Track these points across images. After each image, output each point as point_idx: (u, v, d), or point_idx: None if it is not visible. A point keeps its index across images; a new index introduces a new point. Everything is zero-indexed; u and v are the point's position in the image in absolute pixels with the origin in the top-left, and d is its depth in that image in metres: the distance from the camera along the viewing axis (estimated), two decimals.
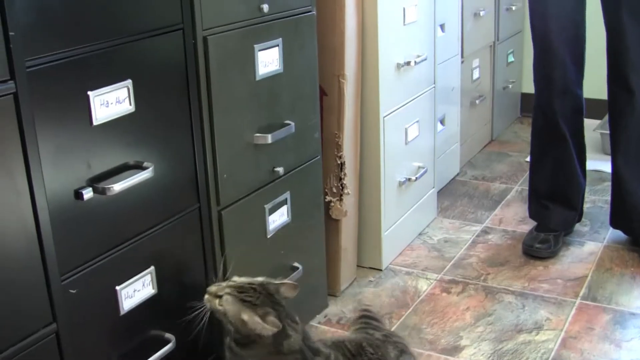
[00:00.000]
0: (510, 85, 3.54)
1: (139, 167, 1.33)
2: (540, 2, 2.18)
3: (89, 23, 1.21)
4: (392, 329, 1.95)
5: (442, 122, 2.79)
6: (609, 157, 2.36)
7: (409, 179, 2.38)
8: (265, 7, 1.62)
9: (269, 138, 1.65)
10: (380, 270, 2.28)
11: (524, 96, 3.72)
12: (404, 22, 2.25)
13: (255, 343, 1.36)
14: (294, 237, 1.84)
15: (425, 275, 2.26)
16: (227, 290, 1.37)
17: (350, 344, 1.49)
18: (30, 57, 1.11)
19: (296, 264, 1.85)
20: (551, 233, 2.36)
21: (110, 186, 1.24)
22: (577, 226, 2.49)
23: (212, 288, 1.39)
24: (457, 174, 3.04)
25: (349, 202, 2.12)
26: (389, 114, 2.21)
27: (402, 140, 2.33)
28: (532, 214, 2.43)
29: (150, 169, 1.33)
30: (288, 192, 1.79)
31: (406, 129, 2.34)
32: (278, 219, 1.77)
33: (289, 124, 1.73)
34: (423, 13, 2.37)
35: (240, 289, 1.38)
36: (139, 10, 1.31)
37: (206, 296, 1.38)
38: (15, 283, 1.13)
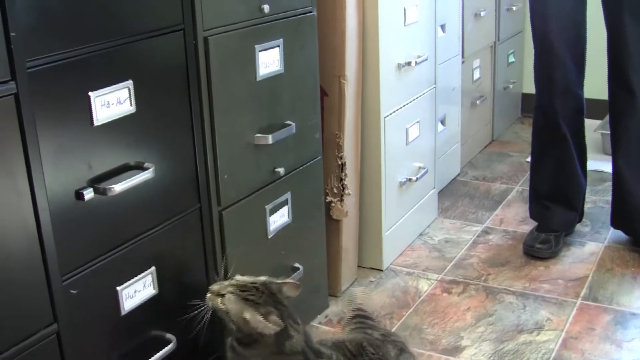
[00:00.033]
0: (510, 86, 3.54)
1: (140, 167, 1.33)
2: (540, 2, 2.18)
3: (89, 23, 1.21)
4: (393, 330, 1.95)
5: (442, 122, 2.79)
6: (610, 158, 2.36)
7: (410, 179, 2.38)
8: (266, 8, 1.62)
9: (270, 138, 1.65)
10: (381, 270, 2.28)
11: (525, 96, 3.72)
12: (404, 22, 2.25)
13: (257, 342, 1.36)
14: (295, 237, 1.84)
15: (426, 275, 2.26)
16: (230, 288, 1.37)
17: (350, 344, 1.49)
18: (31, 57, 1.11)
19: (297, 265, 1.85)
20: (552, 233, 2.35)
21: (111, 187, 1.24)
22: (578, 226, 2.49)
23: (215, 286, 1.39)
24: (458, 174, 3.04)
25: (350, 202, 2.12)
26: (389, 114, 2.21)
27: (402, 140, 2.33)
28: (533, 215, 2.43)
29: (151, 169, 1.33)
30: (289, 192, 1.79)
31: (407, 129, 2.34)
32: (279, 219, 1.77)
33: (289, 125, 1.73)
34: (424, 13, 2.37)
35: (242, 288, 1.37)
36: (140, 11, 1.31)
37: (208, 295, 1.38)
38: (16, 283, 1.13)
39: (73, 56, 1.18)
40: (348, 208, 2.11)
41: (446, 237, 2.51)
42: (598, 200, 2.73)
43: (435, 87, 2.52)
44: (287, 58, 1.71)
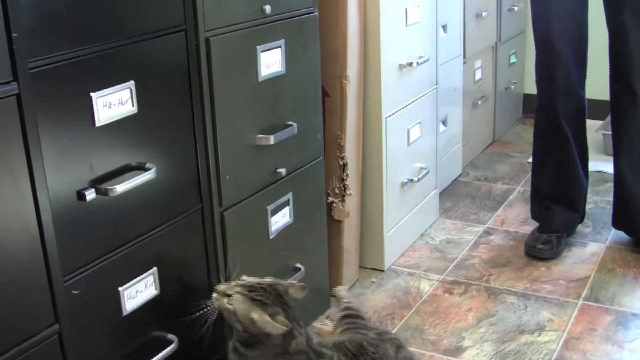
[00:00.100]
0: (512, 86, 3.54)
1: (142, 168, 1.33)
2: (542, 3, 2.17)
3: (91, 24, 1.21)
4: (394, 330, 1.95)
5: (444, 123, 2.79)
6: (611, 158, 2.36)
7: (411, 180, 2.37)
8: (268, 8, 1.62)
9: (272, 139, 1.65)
10: (383, 271, 2.28)
11: (526, 97, 3.72)
12: (406, 23, 2.25)
13: (261, 343, 1.36)
14: (296, 238, 1.85)
15: (428, 276, 2.25)
16: (237, 289, 1.37)
17: (350, 345, 1.49)
18: (33, 58, 1.11)
19: (298, 265, 1.85)
20: (553, 234, 2.35)
21: (112, 187, 1.25)
22: (580, 227, 2.48)
23: (221, 287, 1.39)
24: (460, 175, 3.04)
25: (351, 203, 2.12)
26: (391, 115, 2.21)
27: (404, 141, 2.33)
28: (535, 215, 2.43)
29: (153, 170, 1.33)
30: (290, 193, 1.79)
31: (408, 130, 2.34)
32: (280, 220, 1.77)
33: (291, 125, 1.73)
34: (425, 14, 2.37)
35: (250, 288, 1.37)
36: (142, 12, 1.32)
37: (214, 295, 1.37)
38: (18, 284, 1.13)
39: (75, 57, 1.19)
40: (349, 208, 2.11)
41: (448, 237, 2.51)
42: (599, 200, 2.73)
43: (436, 88, 2.52)
44: (289, 59, 1.71)
